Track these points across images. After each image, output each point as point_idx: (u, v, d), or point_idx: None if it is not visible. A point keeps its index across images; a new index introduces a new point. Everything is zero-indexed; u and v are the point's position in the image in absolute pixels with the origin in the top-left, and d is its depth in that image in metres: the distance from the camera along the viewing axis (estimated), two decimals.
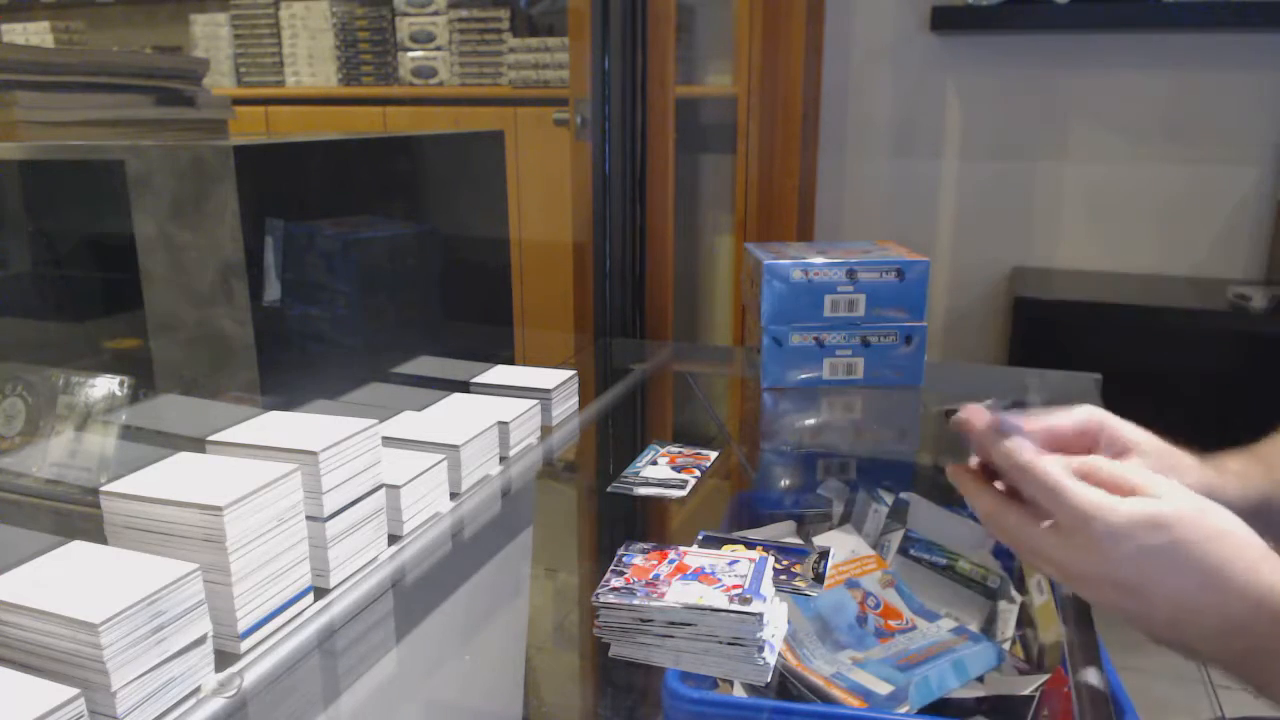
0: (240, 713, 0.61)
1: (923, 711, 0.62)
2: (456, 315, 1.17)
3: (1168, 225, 1.97)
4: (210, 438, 0.74)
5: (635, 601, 0.64)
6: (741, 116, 1.98)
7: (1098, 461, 0.55)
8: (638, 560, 0.71)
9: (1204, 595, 0.50)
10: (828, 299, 1.25)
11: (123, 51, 2.40)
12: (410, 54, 2.52)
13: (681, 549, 0.73)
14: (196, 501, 0.62)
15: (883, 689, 0.65)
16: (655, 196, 1.67)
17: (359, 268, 0.97)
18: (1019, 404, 0.67)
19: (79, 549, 0.62)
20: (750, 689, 0.64)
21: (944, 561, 0.80)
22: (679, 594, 0.65)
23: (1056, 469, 0.54)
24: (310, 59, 2.63)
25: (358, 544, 0.76)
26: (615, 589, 0.66)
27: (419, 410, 1.00)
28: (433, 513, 0.87)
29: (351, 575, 0.76)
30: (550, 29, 2.45)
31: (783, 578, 0.73)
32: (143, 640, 0.56)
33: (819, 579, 0.74)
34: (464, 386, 1.12)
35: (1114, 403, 1.23)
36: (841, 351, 1.27)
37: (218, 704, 0.60)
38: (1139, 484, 0.53)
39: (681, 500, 0.95)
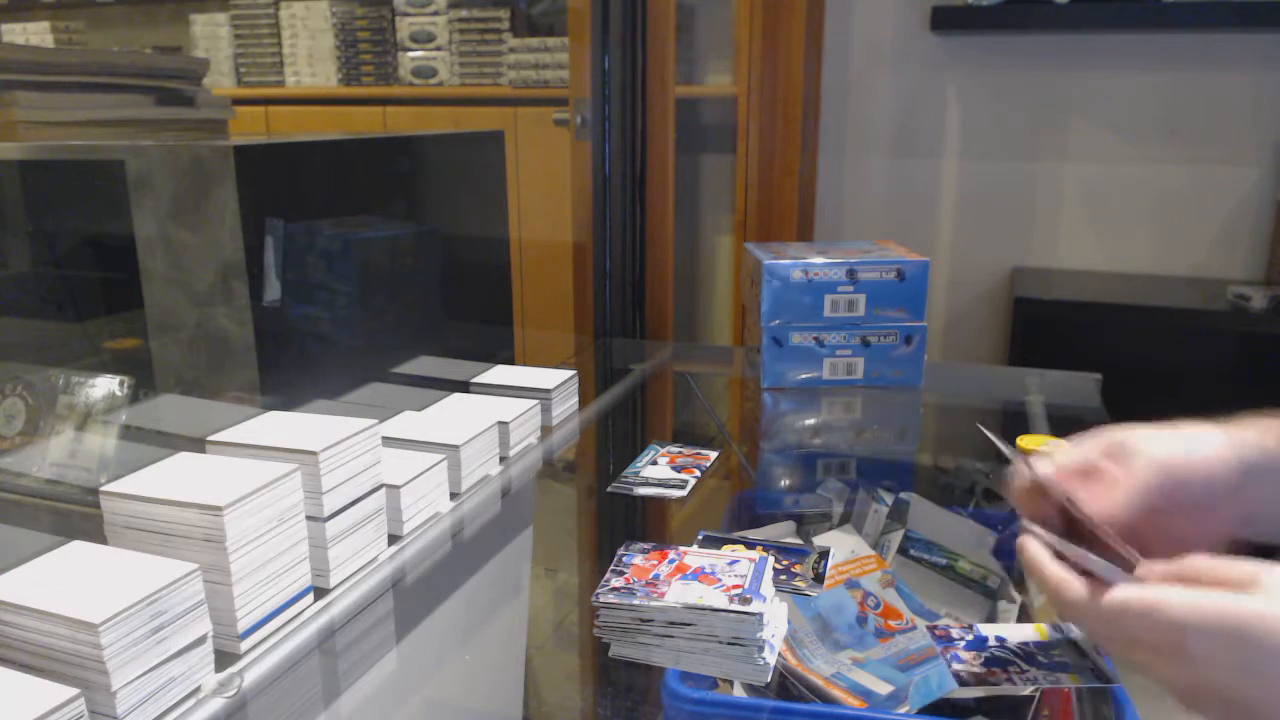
0: (240, 713, 0.61)
1: (923, 711, 0.62)
2: (456, 315, 1.17)
3: (1168, 225, 1.97)
4: (210, 438, 0.74)
5: (635, 601, 0.64)
6: (741, 116, 1.98)
7: (1196, 564, 0.49)
8: (638, 560, 0.71)
9: None
10: (828, 299, 1.25)
11: (123, 51, 2.40)
12: (410, 54, 2.52)
13: (681, 549, 0.73)
14: (196, 501, 0.62)
15: (883, 689, 0.65)
16: (655, 196, 1.67)
17: (359, 268, 0.97)
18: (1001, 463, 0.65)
19: (79, 549, 0.62)
20: (750, 689, 0.64)
21: (944, 561, 0.80)
22: (679, 594, 0.65)
23: (1127, 591, 0.48)
24: (310, 59, 2.63)
25: (358, 544, 0.76)
26: (615, 589, 0.66)
27: (419, 410, 1.00)
28: (433, 513, 0.87)
29: (351, 575, 0.76)
30: (550, 29, 2.45)
31: (783, 578, 0.73)
32: (143, 640, 0.56)
33: (819, 579, 0.74)
34: (464, 386, 1.12)
35: (1114, 403, 1.23)
36: (841, 351, 1.27)
37: (218, 704, 0.60)
38: (1241, 577, 0.47)
39: (681, 500, 0.95)
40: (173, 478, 0.67)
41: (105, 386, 0.88)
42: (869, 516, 0.87)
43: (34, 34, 2.48)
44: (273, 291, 0.85)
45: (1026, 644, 0.64)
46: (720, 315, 2.35)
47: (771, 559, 0.71)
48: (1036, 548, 0.55)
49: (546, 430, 1.09)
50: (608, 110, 1.58)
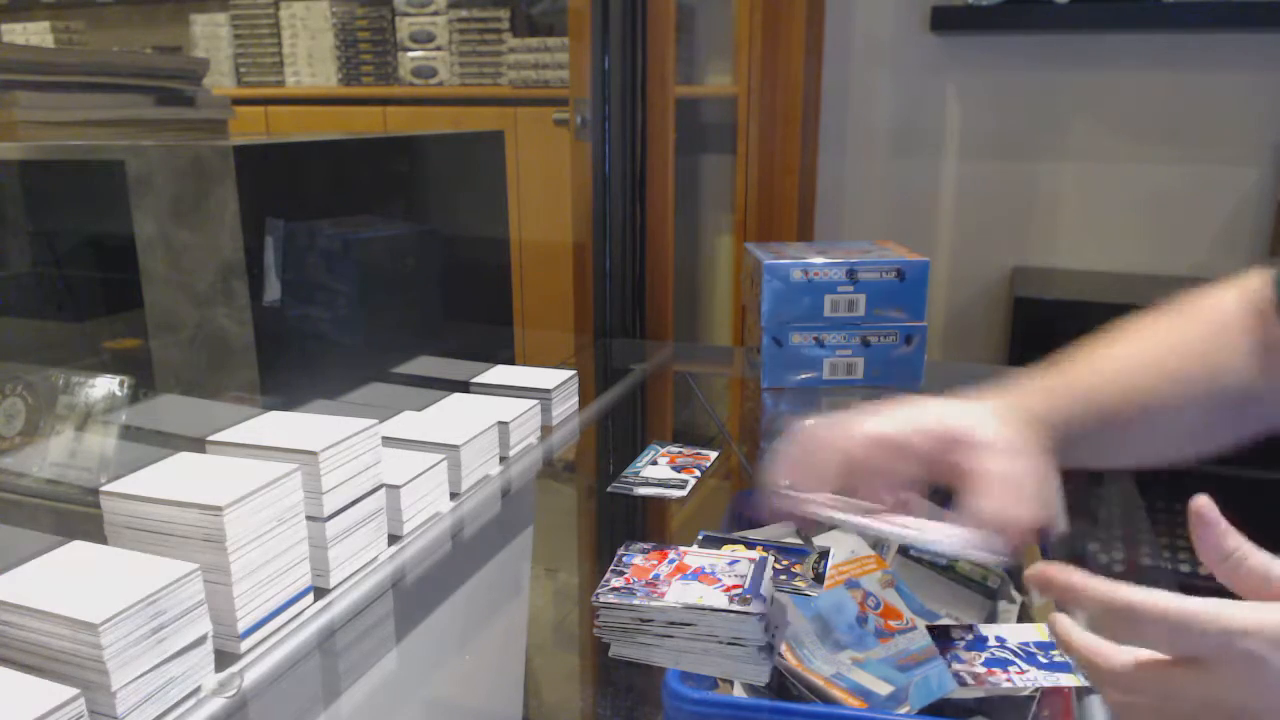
0: (240, 713, 0.61)
1: (923, 711, 0.62)
2: (456, 315, 1.17)
3: (1168, 225, 1.97)
4: (210, 438, 0.74)
5: (635, 601, 0.64)
6: (741, 116, 1.98)
7: (1245, 551, 0.46)
8: (638, 560, 0.71)
9: None
10: (828, 299, 1.25)
11: (123, 51, 2.40)
12: (410, 54, 2.52)
13: (681, 549, 0.73)
14: (196, 501, 0.62)
15: (883, 689, 0.65)
16: (655, 196, 1.67)
17: (359, 268, 0.97)
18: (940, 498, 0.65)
19: (79, 549, 0.62)
20: (750, 689, 0.64)
21: (944, 561, 0.80)
22: (679, 594, 0.65)
23: (1167, 599, 0.44)
24: (310, 59, 2.63)
25: (358, 544, 0.76)
26: (615, 589, 0.66)
27: (419, 410, 1.00)
28: (433, 513, 0.87)
29: (351, 575, 0.76)
30: (550, 29, 2.45)
31: (783, 578, 0.73)
32: (143, 640, 0.56)
33: (819, 579, 0.74)
34: (464, 386, 1.12)
35: None
36: (841, 351, 1.27)
37: (218, 704, 0.60)
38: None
39: (681, 500, 0.95)
40: (173, 478, 0.67)
41: (105, 386, 0.88)
42: None
43: (34, 34, 2.48)
44: (273, 291, 0.85)
45: (1026, 644, 0.64)
46: (720, 315, 2.35)
47: (771, 559, 0.71)
48: (1066, 624, 0.51)
49: (546, 430, 1.09)
50: (608, 110, 1.58)
